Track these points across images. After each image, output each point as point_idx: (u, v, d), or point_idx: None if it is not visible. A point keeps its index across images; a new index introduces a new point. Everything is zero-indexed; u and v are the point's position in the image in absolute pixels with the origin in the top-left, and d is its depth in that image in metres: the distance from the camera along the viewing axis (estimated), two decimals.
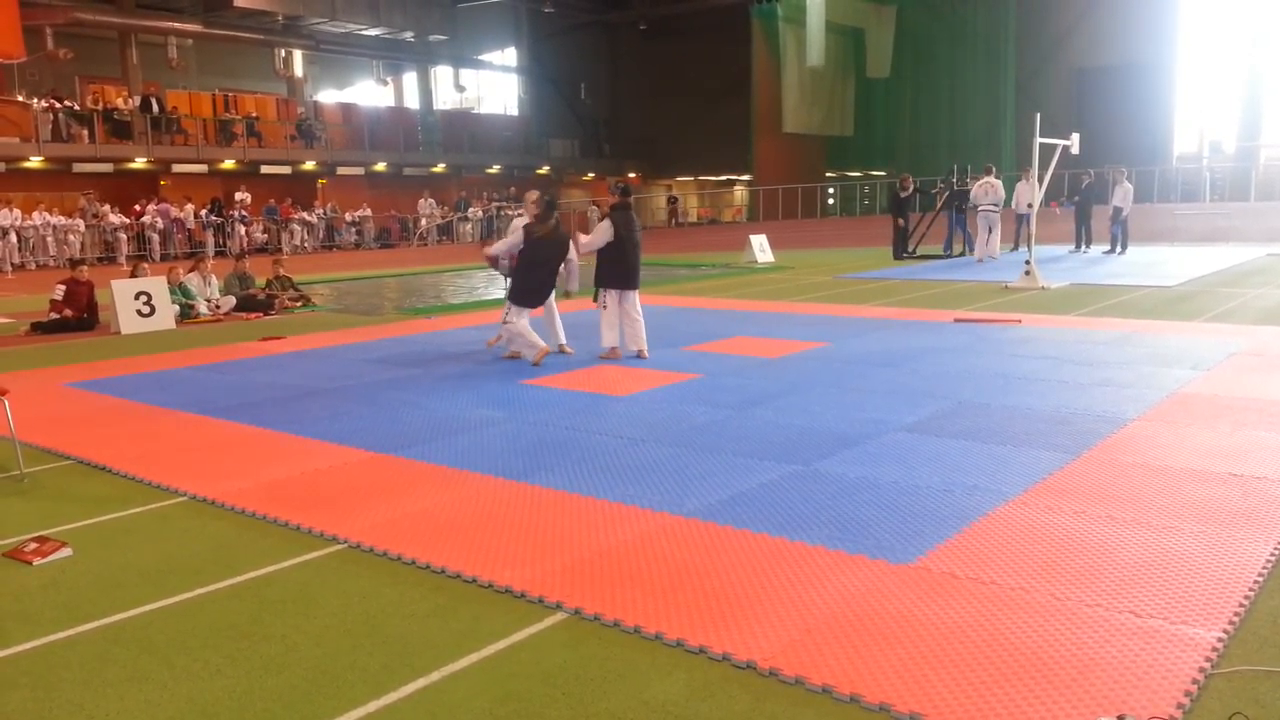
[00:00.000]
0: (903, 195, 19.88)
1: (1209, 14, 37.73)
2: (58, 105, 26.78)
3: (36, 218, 24.53)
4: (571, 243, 8.79)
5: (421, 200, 34.06)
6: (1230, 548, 3.92)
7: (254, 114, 32.12)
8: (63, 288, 12.59)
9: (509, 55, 46.12)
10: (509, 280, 8.90)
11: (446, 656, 3.20)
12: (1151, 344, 8.79)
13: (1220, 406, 6.32)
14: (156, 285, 12.59)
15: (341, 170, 34.23)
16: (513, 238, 8.68)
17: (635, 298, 8.73)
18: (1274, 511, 4.33)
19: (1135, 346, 8.68)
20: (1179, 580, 3.61)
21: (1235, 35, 37.41)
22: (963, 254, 20.28)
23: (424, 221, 33.70)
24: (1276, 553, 3.88)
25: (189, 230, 27.70)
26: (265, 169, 31.67)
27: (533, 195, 8.83)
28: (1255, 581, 3.60)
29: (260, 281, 14.47)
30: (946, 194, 20.48)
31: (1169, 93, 37.63)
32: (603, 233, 8.56)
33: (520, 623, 3.43)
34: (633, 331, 8.72)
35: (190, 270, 14.11)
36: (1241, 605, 3.40)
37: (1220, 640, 3.14)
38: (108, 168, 27.97)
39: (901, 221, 19.94)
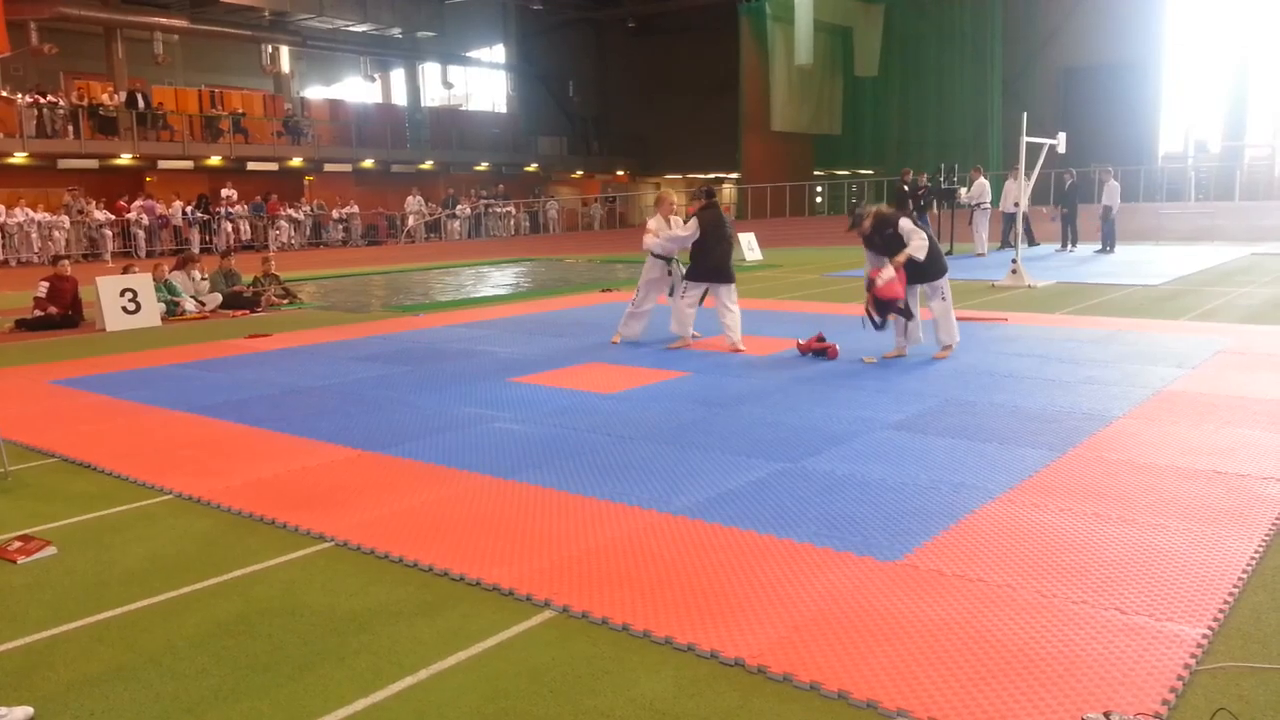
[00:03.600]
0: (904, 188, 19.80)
1: (1195, 14, 37.95)
2: (42, 101, 26.59)
3: (19, 213, 24.34)
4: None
5: (409, 197, 33.95)
6: (1215, 545, 3.95)
7: (240, 110, 31.95)
8: (46, 284, 12.51)
9: (497, 52, 46.02)
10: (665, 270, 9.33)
11: (434, 655, 3.19)
12: (1137, 342, 8.84)
13: (1205, 404, 6.36)
14: (142, 282, 12.53)
15: (329, 167, 34.09)
16: (685, 231, 8.98)
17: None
18: (1258, 508, 4.36)
19: (1121, 345, 8.73)
20: (1164, 577, 3.64)
21: (1221, 35, 37.66)
22: (950, 252, 20.36)
23: (411, 219, 33.60)
24: (1260, 550, 3.90)
25: (175, 227, 27.55)
26: (252, 165, 31.51)
27: (669, 195, 10.04)
28: (1239, 578, 3.63)
29: (248, 279, 14.41)
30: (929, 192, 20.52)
31: (1155, 92, 37.84)
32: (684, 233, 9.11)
33: (508, 621, 3.43)
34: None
35: (175, 268, 14.04)
36: (1226, 602, 3.42)
37: (1205, 637, 3.16)
38: (93, 164, 27.79)
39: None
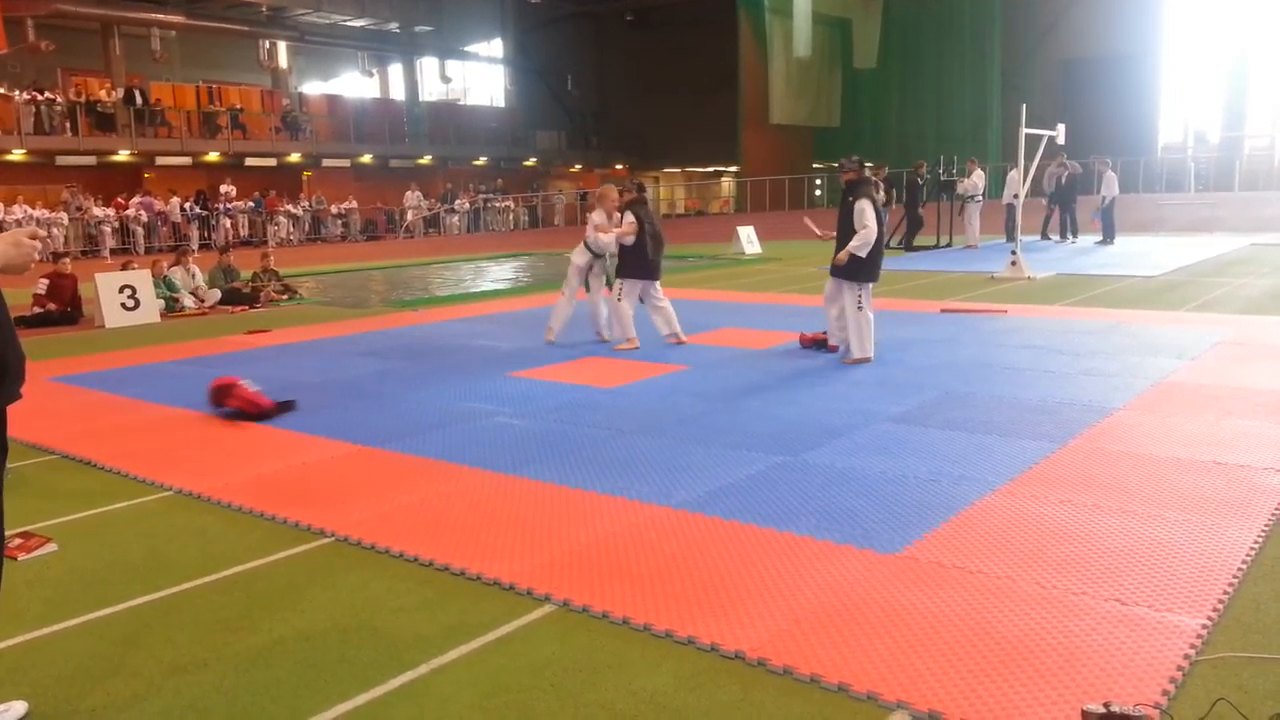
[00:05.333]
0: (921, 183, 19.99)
1: (1194, 5, 37.90)
2: (40, 97, 26.55)
3: (17, 210, 24.32)
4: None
5: (408, 192, 33.93)
6: (1214, 535, 3.95)
7: (238, 106, 31.91)
8: (46, 281, 12.51)
9: (495, 46, 45.93)
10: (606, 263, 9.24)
11: (435, 649, 3.20)
12: (1137, 333, 8.83)
13: (1205, 395, 6.36)
14: (141, 278, 12.53)
15: (327, 162, 34.08)
16: (629, 224, 8.74)
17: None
18: (1257, 499, 4.36)
19: (1120, 336, 8.72)
20: (1164, 568, 3.64)
21: (1220, 26, 37.61)
22: (950, 244, 20.35)
23: (410, 214, 33.57)
24: (1260, 540, 3.90)
25: (174, 223, 27.53)
26: (250, 161, 31.50)
27: (612, 191, 9.38)
28: (1239, 569, 3.63)
29: (247, 274, 14.40)
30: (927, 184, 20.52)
31: (1154, 84, 37.85)
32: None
33: (509, 615, 3.43)
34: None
35: (174, 264, 14.02)
36: (1225, 592, 3.43)
37: (1204, 627, 3.16)
38: (91, 160, 27.78)
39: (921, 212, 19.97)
